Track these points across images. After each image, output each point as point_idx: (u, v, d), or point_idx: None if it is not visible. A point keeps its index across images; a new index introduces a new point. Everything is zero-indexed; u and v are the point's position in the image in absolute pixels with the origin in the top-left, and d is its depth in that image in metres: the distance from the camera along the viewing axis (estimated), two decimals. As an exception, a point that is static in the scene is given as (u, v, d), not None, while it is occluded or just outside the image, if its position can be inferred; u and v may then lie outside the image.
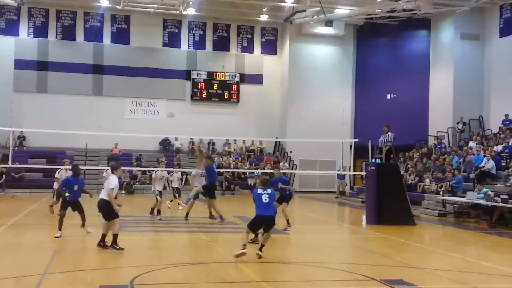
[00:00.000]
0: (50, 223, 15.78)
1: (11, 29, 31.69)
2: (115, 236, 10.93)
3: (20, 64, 31.61)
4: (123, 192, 28.14)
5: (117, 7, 30.55)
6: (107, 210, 11.04)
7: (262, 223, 10.67)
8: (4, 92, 30.71)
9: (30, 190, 27.79)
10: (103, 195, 11.17)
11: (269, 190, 10.76)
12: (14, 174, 28.34)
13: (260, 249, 10.67)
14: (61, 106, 31.61)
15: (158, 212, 17.15)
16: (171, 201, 20.43)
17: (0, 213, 18.74)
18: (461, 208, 19.79)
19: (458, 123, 28.20)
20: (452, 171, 22.07)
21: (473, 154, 22.92)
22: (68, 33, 32.39)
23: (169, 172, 19.60)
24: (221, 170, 29.62)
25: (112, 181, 11.17)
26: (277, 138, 34.04)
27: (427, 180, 23.32)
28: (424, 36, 31.72)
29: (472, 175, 21.51)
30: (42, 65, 31.99)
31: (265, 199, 10.51)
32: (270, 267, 10.38)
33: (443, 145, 27.15)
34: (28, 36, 31.99)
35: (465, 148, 24.59)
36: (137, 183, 29.69)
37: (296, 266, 10.61)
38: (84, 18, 32.61)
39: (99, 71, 32.77)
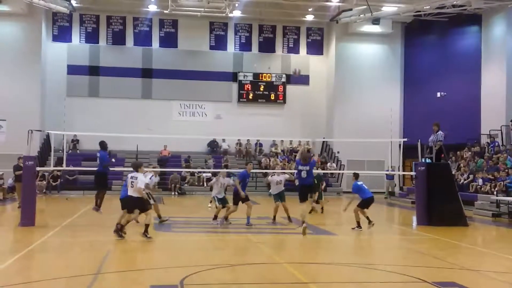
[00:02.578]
0: (102, 224, 16.20)
1: (64, 35, 32.72)
2: (147, 226, 12.64)
3: (72, 70, 32.59)
4: (173, 194, 28.55)
5: (165, 11, 31.07)
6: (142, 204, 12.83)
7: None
8: (58, 97, 31.71)
9: (83, 192, 28.60)
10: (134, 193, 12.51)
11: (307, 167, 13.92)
12: (68, 177, 29.23)
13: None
14: (112, 109, 32.42)
15: (215, 217, 16.89)
16: (210, 201, 20.75)
17: (55, 214, 19.38)
18: (516, 208, 19.17)
19: (511, 121, 27.31)
20: (506, 170, 21.41)
21: (528, 153, 22.17)
22: (118, 38, 33.19)
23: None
24: (269, 171, 29.69)
25: (141, 179, 12.61)
26: (324, 138, 33.85)
27: (480, 180, 22.69)
28: (475, 32, 30.88)
29: (527, 175, 20.80)
30: (94, 70, 32.89)
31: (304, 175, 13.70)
32: (318, 268, 10.33)
33: (496, 144, 26.37)
34: (80, 42, 32.95)
35: (520, 146, 23.81)
36: (186, 185, 30.09)
37: (344, 268, 10.52)
38: (133, 23, 33.34)
39: (148, 75, 33.43)
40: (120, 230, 12.72)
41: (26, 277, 9.28)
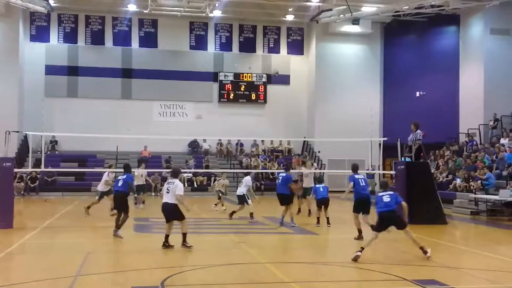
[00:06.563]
0: (82, 225, 16.04)
1: (42, 35, 32.31)
2: (184, 235, 11.84)
3: (51, 70, 32.20)
4: (152, 194, 28.34)
5: (145, 11, 30.87)
6: (179, 212, 11.83)
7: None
8: (36, 97, 31.23)
9: (62, 194, 28.31)
10: (170, 199, 11.69)
11: (390, 192, 11.47)
12: (47, 178, 28.89)
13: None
14: (91, 110, 32.09)
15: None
16: (216, 204, 20.51)
17: (34, 216, 19.13)
18: (494, 206, 19.43)
19: (491, 120, 27.68)
20: (484, 168, 21.68)
21: (505, 151, 22.48)
22: (97, 38, 32.87)
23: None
24: (249, 171, 29.69)
25: (180, 186, 11.77)
26: (305, 138, 33.93)
27: (458, 179, 22.96)
28: (453, 32, 31.24)
29: (505, 173, 21.10)
30: (72, 70, 32.52)
31: (386, 199, 11.21)
32: (299, 267, 10.35)
33: (474, 143, 26.70)
34: (58, 42, 32.57)
35: (497, 145, 24.13)
36: (166, 185, 29.90)
37: (326, 267, 10.56)
38: (113, 23, 33.05)
39: (127, 75, 33.17)
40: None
41: (5, 280, 9.14)
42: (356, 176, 13.71)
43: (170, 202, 11.71)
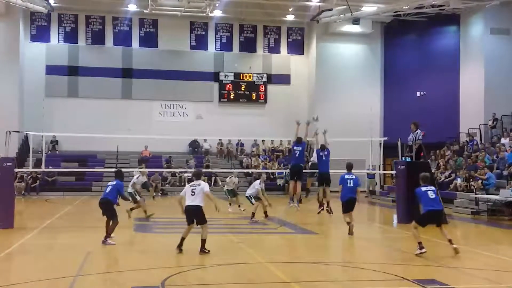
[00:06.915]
0: (82, 225, 16.06)
1: (42, 35, 32.32)
2: (204, 242, 11.30)
3: (51, 70, 32.21)
4: (154, 193, 28.30)
5: (145, 11, 30.88)
6: (203, 216, 11.39)
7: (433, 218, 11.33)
8: (36, 97, 31.30)
9: (63, 194, 28.30)
10: (197, 201, 11.24)
11: (432, 187, 11.43)
12: (47, 178, 28.89)
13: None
14: (92, 110, 32.08)
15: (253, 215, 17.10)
16: (230, 204, 19.98)
17: (34, 216, 19.14)
18: (494, 206, 19.44)
19: (490, 120, 27.67)
20: (485, 168, 21.66)
21: (506, 151, 22.47)
22: (97, 38, 32.88)
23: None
24: (249, 171, 29.74)
25: (206, 185, 11.45)
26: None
27: (459, 179, 22.95)
28: (454, 32, 31.22)
29: (505, 172, 21.09)
30: (73, 70, 32.53)
31: (431, 195, 11.16)
32: (299, 267, 10.34)
33: (475, 142, 26.69)
34: (58, 42, 32.58)
35: (498, 144, 24.12)
36: (167, 185, 29.96)
37: (326, 266, 10.55)
38: (113, 23, 33.05)
39: (128, 75, 33.17)
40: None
41: (5, 280, 9.14)
42: (346, 176, 13.93)
43: (197, 204, 11.24)
